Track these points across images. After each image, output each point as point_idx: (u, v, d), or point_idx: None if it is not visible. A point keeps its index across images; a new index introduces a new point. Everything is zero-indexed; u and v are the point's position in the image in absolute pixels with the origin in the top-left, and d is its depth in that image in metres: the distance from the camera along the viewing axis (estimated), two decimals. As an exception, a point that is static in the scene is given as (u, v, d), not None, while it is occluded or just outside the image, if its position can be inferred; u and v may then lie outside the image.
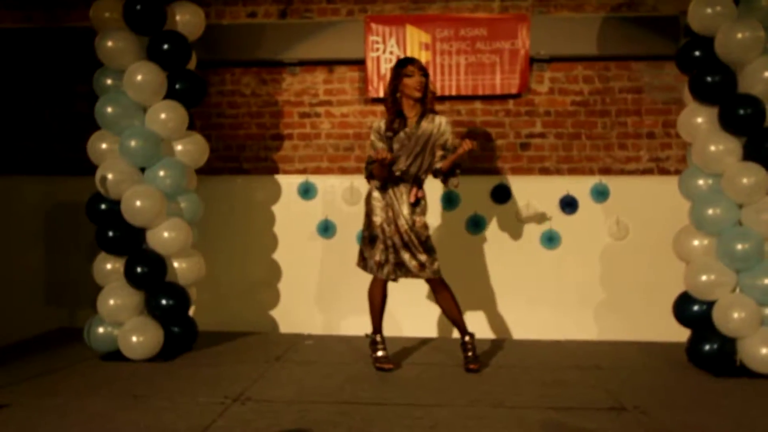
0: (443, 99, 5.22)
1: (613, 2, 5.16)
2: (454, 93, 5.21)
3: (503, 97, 5.26)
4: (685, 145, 4.48)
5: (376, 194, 4.14)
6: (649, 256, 4.99)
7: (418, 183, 4.14)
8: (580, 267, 5.13)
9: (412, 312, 5.03)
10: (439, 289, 4.14)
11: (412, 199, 4.09)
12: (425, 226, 4.14)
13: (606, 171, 5.21)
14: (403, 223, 4.06)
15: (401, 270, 4.09)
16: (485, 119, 5.28)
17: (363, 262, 4.19)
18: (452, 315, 4.15)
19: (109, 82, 4.34)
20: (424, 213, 4.17)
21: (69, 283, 5.23)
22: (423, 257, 4.05)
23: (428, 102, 4.11)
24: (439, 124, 4.10)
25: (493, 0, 5.27)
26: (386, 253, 4.10)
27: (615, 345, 4.84)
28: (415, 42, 5.21)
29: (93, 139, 4.35)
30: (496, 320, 5.15)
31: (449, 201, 5.21)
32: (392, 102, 4.11)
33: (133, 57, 4.27)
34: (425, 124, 4.08)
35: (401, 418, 3.24)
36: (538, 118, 5.27)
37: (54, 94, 5.47)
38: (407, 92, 4.07)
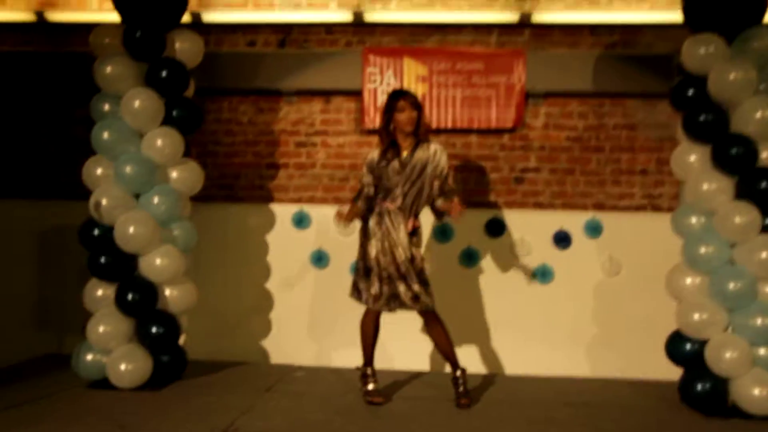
0: (439, 132, 5.25)
1: (608, 40, 5.22)
2: (449, 126, 5.24)
3: (498, 131, 5.29)
4: (678, 183, 4.50)
5: (372, 224, 4.14)
6: (642, 293, 4.98)
7: (415, 213, 4.15)
8: (573, 302, 5.12)
9: (404, 345, 4.99)
10: (432, 323, 4.12)
11: (410, 229, 4.09)
12: (422, 258, 4.14)
13: (600, 207, 5.23)
14: (400, 253, 4.05)
15: (395, 302, 4.08)
16: (480, 153, 5.30)
17: (357, 293, 4.17)
18: (444, 349, 4.13)
19: (106, 107, 4.36)
20: (419, 244, 4.19)
21: (59, 309, 5.17)
22: (417, 288, 4.03)
23: (421, 135, 4.14)
24: (435, 152, 4.13)
25: (490, 35, 5.32)
26: (381, 286, 4.08)
27: (607, 382, 4.80)
28: (412, 74, 5.25)
29: (88, 163, 4.36)
30: (487, 355, 5.12)
31: (443, 234, 5.21)
32: (386, 134, 4.15)
33: (131, 83, 4.29)
34: (420, 153, 4.11)
35: (390, 454, 3.21)
36: (532, 153, 5.29)
37: (52, 118, 5.47)
38: (398, 126, 4.11)
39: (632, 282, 5.07)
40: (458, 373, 4.11)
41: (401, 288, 4.04)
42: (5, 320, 5.26)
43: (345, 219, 4.12)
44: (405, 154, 4.11)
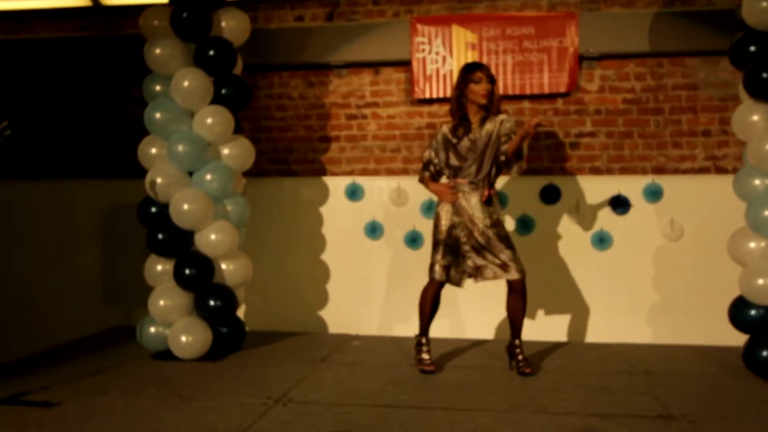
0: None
1: (665, -3, 5.02)
2: (502, 93, 5.13)
3: (552, 96, 5.17)
4: (743, 143, 4.31)
5: (444, 206, 4.13)
6: (705, 258, 4.83)
7: (489, 184, 4.13)
8: (633, 268, 5.00)
9: (460, 313, 5.00)
10: (518, 292, 4.04)
11: (485, 197, 4.07)
12: (502, 224, 4.14)
13: (659, 170, 5.06)
14: (479, 224, 4.03)
15: (481, 274, 4.03)
16: (533, 119, 5.17)
17: (430, 269, 4.15)
18: (517, 316, 4.09)
19: (157, 88, 4.46)
20: (498, 211, 4.17)
21: (125, 283, 5.37)
22: (504, 256, 4.01)
23: (494, 108, 4.11)
24: (501, 120, 4.08)
25: (541, -2, 5.19)
26: (453, 258, 4.08)
27: (668, 349, 4.70)
28: (461, 42, 5.17)
29: (143, 144, 4.49)
30: (544, 323, 5.06)
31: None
32: (457, 107, 4.11)
33: (180, 63, 4.38)
34: (488, 126, 4.08)
35: (440, 423, 3.23)
36: (588, 117, 5.16)
37: (110, 100, 5.65)
38: (473, 98, 4.06)
39: (694, 247, 4.92)
40: (517, 341, 4.10)
41: (489, 257, 4.01)
42: (76, 294, 5.55)
43: (446, 194, 4.11)
44: (475, 130, 4.08)
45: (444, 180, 4.26)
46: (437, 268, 4.09)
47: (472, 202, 4.06)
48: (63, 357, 4.51)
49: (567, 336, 5.05)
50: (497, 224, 4.09)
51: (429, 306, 4.17)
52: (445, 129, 4.19)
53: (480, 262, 4.04)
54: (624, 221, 5.03)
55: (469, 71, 4.09)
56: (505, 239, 4.06)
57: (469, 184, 4.08)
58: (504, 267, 4.00)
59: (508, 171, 4.21)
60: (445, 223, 4.09)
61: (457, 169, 4.13)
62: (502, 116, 4.11)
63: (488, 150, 4.07)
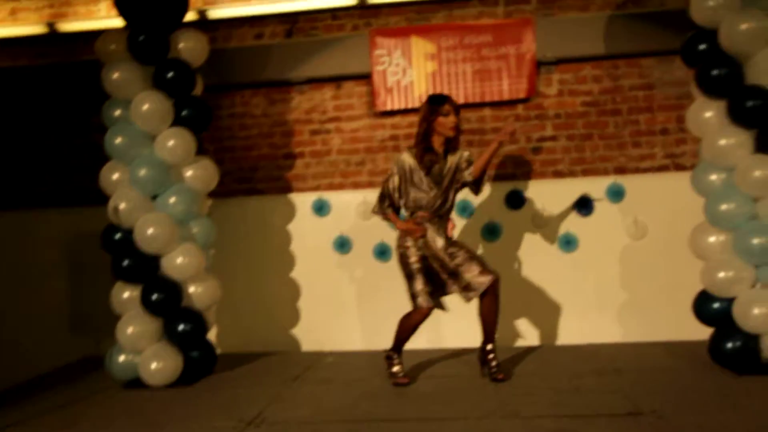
0: (451, 108, 5.21)
1: (618, 0, 5.10)
2: (462, 101, 5.17)
3: (512, 102, 5.22)
4: (700, 140, 4.39)
5: (409, 242, 4.11)
6: (669, 255, 4.90)
7: (448, 216, 4.21)
8: (599, 268, 5.06)
9: (430, 324, 5.01)
10: (493, 292, 4.03)
11: (449, 234, 4.17)
12: (458, 245, 4.15)
13: (621, 170, 5.14)
14: (444, 255, 4.06)
15: (472, 290, 4.02)
16: (495, 125, 5.24)
17: (413, 299, 4.10)
18: (489, 321, 4.07)
19: (117, 113, 4.44)
20: (458, 242, 4.21)
21: (93, 312, 5.28)
22: (478, 265, 4.03)
23: (457, 140, 4.15)
24: (461, 154, 4.16)
25: (496, 6, 5.24)
26: (433, 284, 4.08)
27: (637, 347, 4.76)
28: (421, 53, 5.21)
29: (105, 170, 4.45)
30: (514, 327, 5.10)
31: (463, 209, 5.18)
32: (423, 138, 4.10)
33: (139, 87, 4.36)
34: (451, 158, 4.14)
35: (413, 435, 3.24)
36: (548, 121, 5.22)
37: (70, 127, 5.60)
38: (440, 130, 4.08)
39: (659, 244, 4.99)
40: (489, 347, 4.11)
41: (467, 277, 4.01)
42: (43, 326, 5.47)
43: (416, 231, 4.08)
44: (440, 163, 4.11)
45: (403, 212, 4.24)
46: (422, 296, 4.03)
47: (439, 237, 4.09)
48: (31, 391, 4.44)
49: (538, 340, 5.09)
50: (454, 243, 4.14)
51: (409, 332, 4.14)
52: (409, 160, 4.14)
53: (463, 282, 4.04)
54: (589, 222, 5.08)
55: (437, 104, 4.08)
56: (464, 251, 4.10)
57: (435, 217, 4.12)
58: (483, 274, 4.01)
59: (474, 193, 4.27)
60: (415, 255, 4.07)
61: (419, 202, 4.12)
62: (460, 152, 4.17)
63: (450, 182, 4.12)
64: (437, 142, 4.12)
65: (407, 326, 4.12)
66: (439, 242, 4.09)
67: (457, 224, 5.15)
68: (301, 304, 5.36)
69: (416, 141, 4.15)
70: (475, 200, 5.13)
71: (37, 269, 5.55)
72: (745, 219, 3.96)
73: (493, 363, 4.09)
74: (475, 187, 4.21)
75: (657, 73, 5.13)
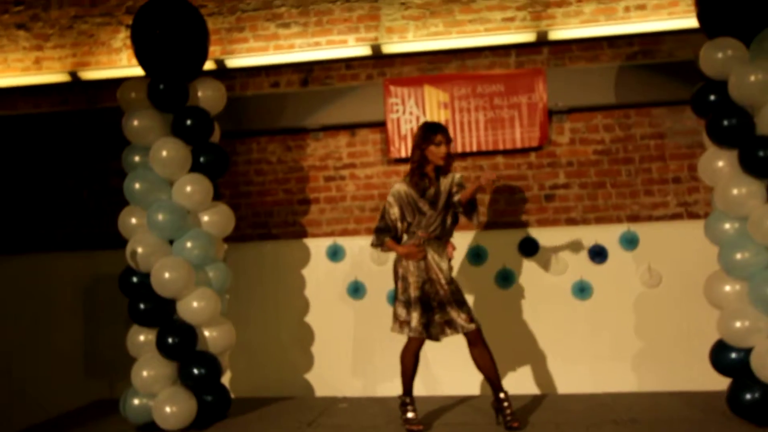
0: (465, 155, 5.30)
1: (627, 51, 5.20)
2: (475, 149, 5.26)
3: (524, 151, 5.29)
4: (712, 189, 4.42)
5: (411, 266, 4.16)
6: (685, 303, 4.89)
7: (449, 237, 4.25)
8: (614, 317, 5.05)
9: (448, 370, 5.00)
10: (480, 343, 4.08)
11: (451, 257, 4.22)
12: (455, 284, 4.20)
13: (634, 218, 5.16)
14: (442, 280, 4.11)
15: (450, 327, 4.09)
16: (508, 173, 5.30)
17: (399, 326, 4.16)
18: (489, 369, 4.09)
19: (136, 158, 4.52)
20: (451, 268, 4.27)
21: (108, 355, 5.33)
22: (465, 310, 4.08)
23: (449, 167, 4.23)
24: (452, 176, 4.23)
25: (508, 56, 5.35)
26: (428, 315, 4.11)
27: (653, 396, 4.71)
28: (434, 101, 5.31)
29: (123, 214, 4.52)
30: (529, 376, 5.07)
31: (477, 256, 5.21)
32: (418, 165, 4.20)
33: (158, 134, 4.45)
34: (444, 181, 4.21)
35: (428, 483, 3.21)
36: (561, 169, 5.27)
37: (90, 172, 5.72)
38: (431, 158, 4.17)
39: (673, 292, 4.98)
40: (502, 395, 4.09)
41: (453, 313, 4.07)
42: (58, 369, 5.50)
43: (417, 254, 4.13)
44: (434, 188, 4.18)
45: (405, 238, 4.27)
46: (415, 325, 4.08)
47: (437, 258, 4.13)
48: (45, 433, 4.45)
49: (552, 388, 5.05)
50: (452, 280, 4.17)
51: (411, 365, 4.17)
52: (404, 188, 4.23)
53: (446, 317, 4.09)
54: (602, 270, 5.09)
55: (431, 132, 4.18)
56: (459, 293, 4.14)
57: (434, 239, 4.16)
58: (470, 320, 4.05)
59: (468, 221, 4.29)
60: (416, 280, 4.11)
61: (419, 224, 4.18)
62: (450, 174, 4.24)
63: (448, 205, 4.18)
64: (429, 168, 4.20)
65: (407, 359, 4.16)
66: (443, 265, 4.15)
67: (471, 272, 5.18)
68: (315, 349, 5.36)
69: (411, 167, 4.24)
70: (489, 247, 5.16)
71: (54, 311, 5.60)
72: (759, 268, 3.94)
73: (508, 411, 4.06)
74: (467, 215, 4.22)
75: (668, 122, 5.20)
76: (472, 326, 4.04)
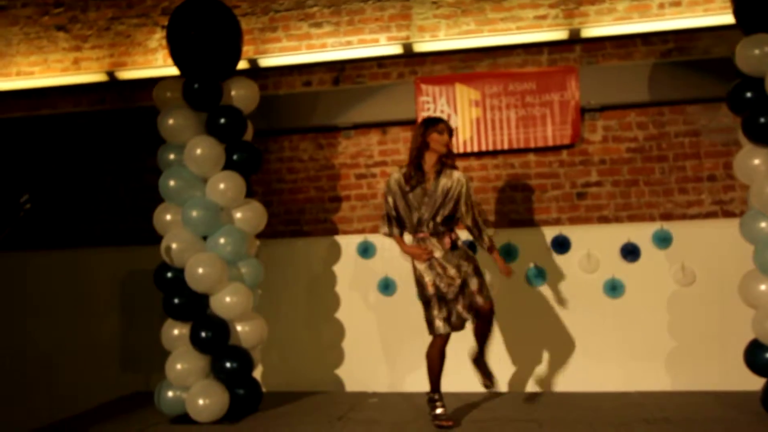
0: (496, 153, 5.30)
1: (662, 48, 5.15)
2: (506, 147, 5.26)
3: (556, 148, 5.27)
4: (748, 187, 4.36)
5: (421, 266, 4.20)
6: (719, 302, 4.82)
7: (449, 229, 4.23)
8: (647, 315, 4.99)
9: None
10: (483, 317, 4.22)
11: (447, 246, 4.17)
12: (471, 257, 4.26)
13: (667, 216, 5.11)
14: (451, 273, 4.14)
15: (470, 312, 4.16)
16: (539, 171, 5.29)
17: (430, 326, 4.18)
18: (485, 333, 4.30)
19: (171, 156, 4.61)
20: (467, 254, 4.27)
21: (143, 349, 5.43)
22: (474, 286, 4.16)
23: (450, 161, 4.23)
24: (458, 179, 4.20)
25: (540, 54, 5.34)
26: (447, 308, 4.13)
27: (686, 396, 4.66)
28: (465, 99, 5.31)
29: (158, 211, 4.61)
30: (561, 373, 5.04)
31: (508, 253, 5.19)
32: (417, 155, 4.19)
33: (192, 132, 4.53)
34: (443, 180, 4.18)
35: (457, 478, 3.22)
36: (593, 167, 5.24)
37: (126, 170, 5.84)
38: (434, 146, 4.16)
39: (707, 291, 4.91)
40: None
41: (467, 299, 4.15)
42: (95, 362, 5.62)
43: (422, 255, 4.17)
44: (430, 182, 4.18)
45: (406, 234, 4.34)
46: (438, 323, 4.11)
47: (438, 255, 4.16)
48: (83, 425, 4.55)
49: (584, 386, 5.01)
50: (468, 259, 4.22)
51: (437, 362, 4.18)
52: (398, 176, 4.26)
53: (466, 302, 4.16)
54: (635, 268, 5.05)
55: (433, 122, 4.21)
56: (476, 270, 4.20)
57: (432, 236, 4.18)
58: (480, 291, 4.16)
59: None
60: (429, 280, 4.15)
61: (414, 221, 4.20)
62: (457, 174, 4.22)
63: (443, 203, 4.15)
64: (429, 161, 4.19)
65: (433, 357, 4.18)
66: (445, 261, 4.16)
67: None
68: (346, 345, 5.40)
69: (409, 157, 4.25)
70: (520, 245, 5.16)
71: (91, 305, 5.73)
72: (795, 267, 3.90)
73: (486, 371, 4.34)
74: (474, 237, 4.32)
75: (703, 120, 5.13)
76: (486, 304, 4.17)
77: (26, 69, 5.97)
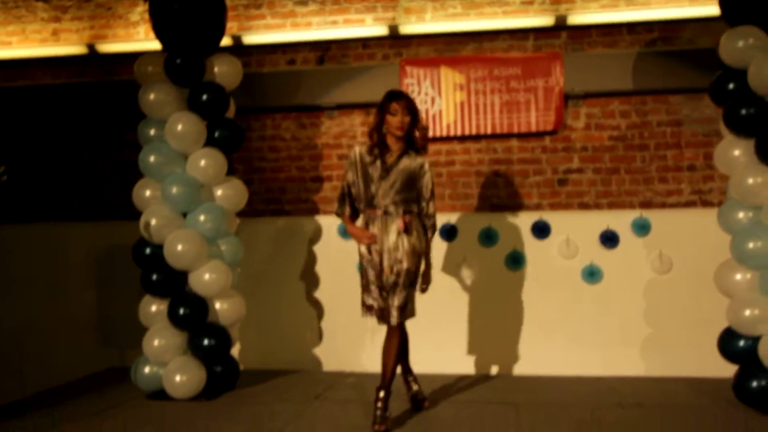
0: (479, 137, 5.30)
1: (647, 38, 5.17)
2: (489, 131, 5.26)
3: (539, 134, 5.28)
4: (728, 178, 4.40)
5: (362, 248, 3.98)
6: (694, 290, 4.88)
7: (405, 212, 3.88)
8: (623, 302, 5.04)
9: (452, 348, 5.04)
10: (396, 336, 3.87)
11: (401, 228, 3.83)
12: (417, 256, 3.90)
13: (647, 205, 5.16)
14: (389, 262, 3.83)
15: (383, 321, 3.88)
16: (522, 156, 5.30)
17: (363, 309, 4.01)
18: (391, 362, 3.87)
19: (152, 132, 4.56)
20: (414, 250, 3.87)
21: (120, 324, 5.39)
22: (397, 299, 3.82)
23: (419, 145, 3.96)
24: (421, 164, 3.94)
25: (526, 40, 5.33)
26: (372, 297, 3.94)
27: (660, 381, 4.73)
28: (450, 83, 5.30)
29: (138, 186, 4.57)
30: (537, 357, 5.08)
31: (488, 238, 5.21)
32: (377, 133, 3.92)
33: (174, 108, 4.48)
34: (406, 161, 3.90)
35: (432, 458, 3.25)
36: (575, 154, 5.26)
37: (105, 144, 5.76)
38: (390, 130, 3.89)
39: (684, 279, 4.97)
40: (381, 393, 3.83)
41: (384, 302, 3.86)
42: (71, 336, 5.58)
43: (363, 238, 3.91)
44: (391, 159, 3.91)
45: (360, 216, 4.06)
46: (363, 308, 3.99)
47: (389, 235, 3.85)
48: (58, 399, 4.52)
49: (560, 370, 5.07)
50: (412, 257, 3.84)
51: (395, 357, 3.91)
52: (359, 150, 3.99)
53: (385, 304, 3.86)
54: (613, 255, 5.09)
55: (387, 100, 3.90)
56: (410, 279, 3.84)
57: (383, 215, 3.88)
58: (401, 310, 3.82)
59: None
60: (364, 263, 3.95)
61: (368, 196, 3.92)
62: (422, 159, 3.95)
63: (404, 185, 3.87)
64: (391, 139, 3.91)
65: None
66: (390, 244, 3.83)
67: (481, 253, 5.18)
68: (324, 325, 5.40)
69: (369, 135, 3.99)
70: (500, 229, 5.17)
71: (68, 280, 5.68)
72: (771, 258, 3.95)
73: (382, 413, 3.78)
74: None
75: (685, 110, 5.17)
76: (394, 322, 3.82)
77: (3, 39, 5.85)
